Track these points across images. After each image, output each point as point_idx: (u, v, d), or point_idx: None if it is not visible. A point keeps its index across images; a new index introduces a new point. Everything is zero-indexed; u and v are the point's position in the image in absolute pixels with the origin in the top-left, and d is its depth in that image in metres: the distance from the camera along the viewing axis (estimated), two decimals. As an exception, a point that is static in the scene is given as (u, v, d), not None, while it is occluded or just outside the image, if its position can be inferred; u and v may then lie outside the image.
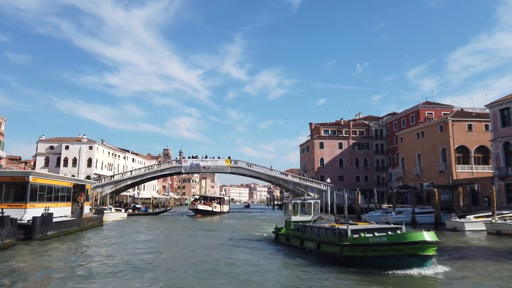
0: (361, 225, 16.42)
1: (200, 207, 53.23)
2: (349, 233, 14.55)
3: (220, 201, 62.46)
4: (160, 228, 34.18)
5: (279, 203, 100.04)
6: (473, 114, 51.13)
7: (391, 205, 46.73)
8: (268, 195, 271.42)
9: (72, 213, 30.42)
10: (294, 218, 21.47)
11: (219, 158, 57.26)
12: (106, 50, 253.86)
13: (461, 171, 47.20)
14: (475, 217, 23.01)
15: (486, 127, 48.17)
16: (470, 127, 48.16)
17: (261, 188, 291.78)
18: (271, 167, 57.58)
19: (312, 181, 56.91)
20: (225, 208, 63.30)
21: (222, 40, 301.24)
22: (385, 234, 14.20)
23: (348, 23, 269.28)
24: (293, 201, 22.34)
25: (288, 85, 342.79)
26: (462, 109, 55.97)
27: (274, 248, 19.81)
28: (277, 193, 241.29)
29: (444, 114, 60.50)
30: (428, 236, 12.59)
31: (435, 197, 29.96)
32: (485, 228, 20.68)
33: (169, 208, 68.98)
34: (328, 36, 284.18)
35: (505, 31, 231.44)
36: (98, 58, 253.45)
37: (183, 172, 58.52)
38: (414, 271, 12.60)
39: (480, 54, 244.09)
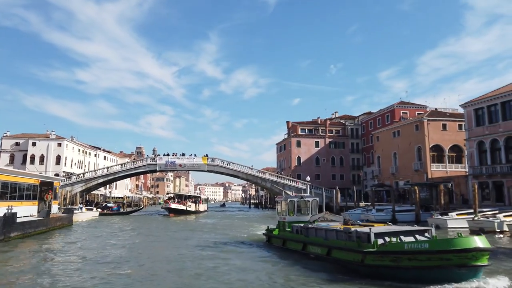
0: (381, 227, 14.30)
1: (173, 205, 50.91)
2: (373, 238, 12.22)
3: (196, 200, 59.94)
4: (132, 228, 32.41)
5: (255, 201, 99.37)
6: (447, 114, 52.16)
7: (368, 203, 46.94)
8: (243, 194, 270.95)
9: (38, 212, 28.53)
10: (290, 219, 19.05)
11: (195, 155, 55.89)
12: (76, 45, 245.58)
13: (435, 170, 47.98)
14: (457, 215, 23.05)
15: (460, 126, 49.22)
16: (444, 126, 49.03)
17: (236, 187, 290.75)
18: (251, 166, 56.81)
19: (290, 180, 56.54)
20: (202, 207, 60.84)
21: (197, 38, 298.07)
22: (426, 239, 12.27)
23: (322, 24, 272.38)
24: (288, 199, 19.65)
25: (264, 84, 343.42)
26: (436, 109, 57.02)
27: (269, 253, 17.65)
28: (252, 192, 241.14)
29: (418, 114, 61.61)
30: (481, 241, 10.52)
31: (416, 195, 30.00)
32: (467, 226, 20.72)
33: (141, 207, 66.44)
34: (303, 36, 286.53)
35: (471, 36, 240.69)
36: (68, 53, 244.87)
37: (158, 170, 56.74)
38: (464, 285, 10.30)
39: (448, 58, 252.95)
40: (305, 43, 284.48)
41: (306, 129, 74.73)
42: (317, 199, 20.19)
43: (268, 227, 21.66)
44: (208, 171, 56.14)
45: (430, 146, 48.22)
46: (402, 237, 12.70)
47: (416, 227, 14.18)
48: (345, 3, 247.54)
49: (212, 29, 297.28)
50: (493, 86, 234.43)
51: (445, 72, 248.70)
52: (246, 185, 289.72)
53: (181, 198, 57.89)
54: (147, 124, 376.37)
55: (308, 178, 45.97)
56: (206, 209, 65.54)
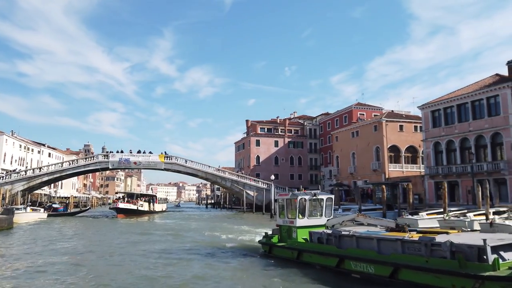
0: (471, 235, 11.11)
1: (122, 205, 46.13)
2: (490, 254, 8.66)
3: (151, 199, 55.79)
4: (75, 232, 28.98)
5: (212, 202, 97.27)
6: (403, 116, 53.72)
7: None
8: (197, 194, 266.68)
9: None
10: (301, 222, 14.95)
11: (151, 153, 53.05)
12: (18, 35, 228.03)
13: (392, 170, 49.18)
14: (427, 214, 23.19)
15: (415, 128, 50.88)
16: (401, 127, 50.42)
17: (190, 187, 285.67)
18: (219, 166, 55.12)
19: (251, 179, 55.53)
20: (158, 207, 57.01)
21: (151, 34, 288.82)
22: None
23: (278, 26, 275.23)
24: (299, 197, 15.09)
25: (219, 84, 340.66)
26: (392, 111, 58.65)
27: (280, 270, 13.12)
28: (206, 191, 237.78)
29: (374, 115, 63.14)
30: None
31: (383, 194, 30.12)
32: (438, 225, 20.81)
33: (88, 207, 61.59)
34: (258, 38, 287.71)
35: (416, 44, 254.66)
36: (8, 43, 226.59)
37: (110, 168, 53.09)
38: None
39: (395, 64, 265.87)
40: (260, 45, 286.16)
41: (266, 129, 74.25)
42: (332, 196, 16.32)
43: (266, 233, 17.12)
44: (165, 169, 53.55)
45: (387, 147, 49.35)
46: None
47: None
48: (300, 7, 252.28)
49: (167, 26, 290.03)
50: (435, 93, 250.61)
51: (391, 78, 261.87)
52: (201, 185, 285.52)
53: (132, 197, 53.37)
54: (96, 122, 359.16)
55: (272, 177, 45.09)
56: (164, 209, 61.47)
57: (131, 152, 52.42)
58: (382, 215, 30.20)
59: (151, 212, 51.49)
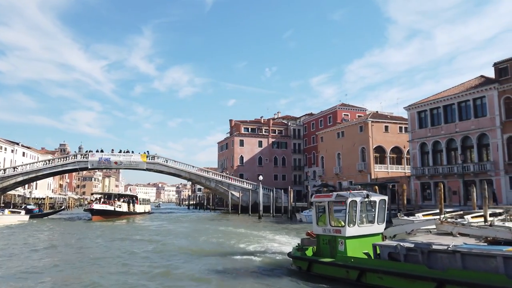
0: None
1: (97, 206, 41.91)
2: None
3: (131, 199, 51.42)
4: (44, 237, 25.93)
5: (193, 202, 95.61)
6: (388, 116, 53.91)
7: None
8: (176, 195, 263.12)
9: None
10: (351, 231, 11.67)
11: (133, 152, 51.29)
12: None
13: (378, 170, 49.23)
14: (423, 215, 22.80)
15: (400, 129, 51.14)
16: (386, 128, 50.56)
17: (170, 188, 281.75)
18: (209, 168, 53.73)
19: (237, 179, 54.55)
20: (140, 208, 52.73)
21: (129, 31, 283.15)
22: None
23: (259, 27, 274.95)
24: (350, 199, 11.65)
25: (199, 83, 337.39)
26: (377, 111, 58.88)
27: None
28: (186, 192, 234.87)
29: (358, 116, 63.36)
30: None
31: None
32: (435, 227, 20.39)
33: (62, 208, 58.28)
34: (239, 38, 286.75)
35: (394, 48, 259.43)
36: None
37: (89, 168, 50.96)
38: None
39: (373, 67, 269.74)
40: (241, 45, 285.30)
41: (249, 128, 73.43)
42: (386, 198, 12.99)
43: (298, 244, 13.84)
44: (147, 169, 51.87)
45: (373, 147, 49.38)
46: None
47: None
48: (281, 8, 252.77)
49: (146, 24, 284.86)
50: (412, 95, 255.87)
51: (370, 80, 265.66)
52: (180, 186, 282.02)
53: (110, 197, 48.91)
54: (72, 120, 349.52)
55: (261, 178, 44.28)
56: (147, 210, 56.91)
57: (112, 152, 50.41)
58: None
59: (131, 214, 48.04)
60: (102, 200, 46.37)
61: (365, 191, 12.68)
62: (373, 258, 11.22)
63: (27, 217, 39.32)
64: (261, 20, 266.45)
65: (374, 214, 12.33)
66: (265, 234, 25.33)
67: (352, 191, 12.62)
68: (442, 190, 23.69)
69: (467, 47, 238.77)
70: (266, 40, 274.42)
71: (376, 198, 12.48)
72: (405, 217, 22.98)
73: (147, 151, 51.81)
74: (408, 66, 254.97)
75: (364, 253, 11.68)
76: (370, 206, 12.39)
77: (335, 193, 12.77)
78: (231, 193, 50.77)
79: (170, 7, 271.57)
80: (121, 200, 48.18)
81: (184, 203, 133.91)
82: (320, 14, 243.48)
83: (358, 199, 11.85)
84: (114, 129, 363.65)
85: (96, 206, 41.88)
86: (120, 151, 50.84)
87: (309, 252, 12.99)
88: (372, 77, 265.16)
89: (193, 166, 53.35)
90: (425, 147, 41.08)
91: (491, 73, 37.47)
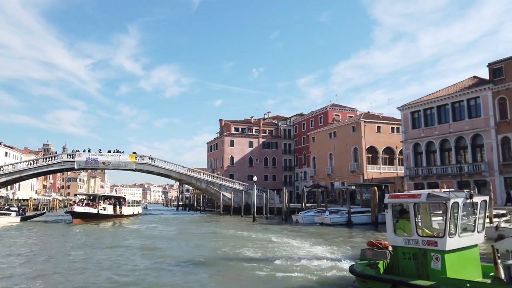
0: None
1: (78, 209, 38.79)
2: None
3: (117, 201, 46.66)
4: (21, 242, 22.94)
5: (182, 203, 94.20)
6: (380, 117, 53.79)
7: (312, 204, 46.11)
8: (163, 196, 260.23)
9: None
10: (452, 243, 8.41)
11: (119, 152, 49.82)
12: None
13: (370, 171, 49.01)
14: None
15: (392, 129, 51.08)
16: (379, 128, 50.41)
17: (156, 188, 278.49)
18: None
19: (228, 180, 53.65)
20: (128, 210, 47.93)
21: (115, 30, 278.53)
22: None
23: (246, 27, 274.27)
24: (452, 201, 8.26)
25: (186, 83, 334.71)
26: (368, 112, 58.76)
27: None
28: (173, 193, 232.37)
29: (349, 116, 63.21)
30: None
31: (375, 196, 29.33)
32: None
33: (43, 211, 54.24)
34: (226, 38, 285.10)
35: (380, 50, 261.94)
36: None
37: (76, 168, 49.25)
38: None
39: (359, 69, 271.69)
40: (228, 45, 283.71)
41: (240, 128, 72.62)
42: (487, 199, 9.60)
43: (369, 261, 10.08)
44: (136, 170, 50.51)
45: (366, 148, 49.14)
46: None
47: None
48: (268, 9, 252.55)
49: (132, 23, 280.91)
50: (396, 97, 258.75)
51: (356, 82, 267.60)
52: (167, 187, 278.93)
53: (94, 199, 44.91)
54: (55, 120, 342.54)
55: (255, 178, 43.37)
56: (136, 212, 51.89)
57: (100, 151, 48.85)
58: (375, 218, 29.46)
59: (117, 216, 44.38)
60: (85, 202, 43.36)
61: (466, 191, 9.48)
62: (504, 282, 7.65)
63: (18, 219, 37.70)
64: (248, 21, 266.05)
65: (475, 221, 9.26)
66: (278, 239, 22.32)
67: (451, 190, 9.32)
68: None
69: (451, 50, 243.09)
70: (253, 41, 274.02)
71: (478, 199, 9.37)
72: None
73: (134, 152, 50.31)
74: (394, 68, 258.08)
75: (492, 276, 8.20)
76: (472, 209, 9.35)
77: (425, 192, 9.38)
78: (222, 194, 49.83)
79: (156, 6, 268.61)
80: (107, 202, 44.53)
81: (172, 204, 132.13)
82: (307, 15, 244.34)
83: (460, 200, 8.72)
84: (99, 129, 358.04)
85: (77, 209, 39.00)
86: (110, 151, 49.26)
87: (380, 267, 9.79)
88: (358, 79, 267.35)
89: (183, 167, 52.25)
90: (418, 148, 40.99)
91: (480, 75, 37.69)
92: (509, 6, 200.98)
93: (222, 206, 51.11)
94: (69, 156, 48.65)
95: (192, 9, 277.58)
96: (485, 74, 36.49)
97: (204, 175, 53.47)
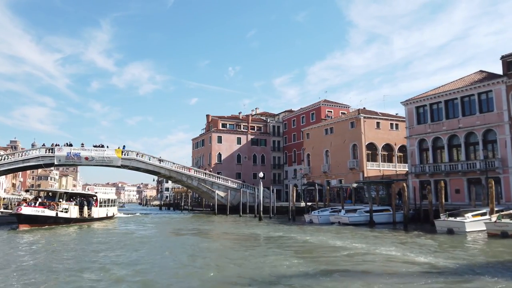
0: None
1: (27, 210, 28.73)
2: None
3: (85, 200, 36.19)
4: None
5: (163, 202, 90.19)
6: (379, 113, 52.39)
7: (315, 203, 43.99)
8: (138, 195, 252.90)
9: None
10: None
11: (107, 147, 45.96)
12: None
13: (370, 168, 47.47)
14: (473, 216, 20.46)
15: (391, 125, 49.78)
16: (378, 124, 48.98)
17: (130, 188, 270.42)
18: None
19: (221, 178, 50.77)
20: (101, 212, 38.36)
21: (86, 24, 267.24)
22: None
23: (222, 25, 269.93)
24: None
25: (160, 81, 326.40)
26: (364, 107, 57.35)
27: None
28: (148, 192, 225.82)
29: (342, 113, 61.82)
30: None
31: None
32: (485, 229, 18.15)
33: None
34: (202, 35, 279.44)
35: (354, 51, 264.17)
36: None
37: (56, 163, 44.71)
38: None
39: (334, 70, 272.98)
40: (204, 43, 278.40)
41: (228, 124, 69.84)
42: None
43: None
44: (122, 166, 46.70)
45: (365, 144, 47.57)
46: None
47: None
48: (245, 7, 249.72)
49: (104, 17, 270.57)
50: (370, 98, 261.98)
51: (331, 82, 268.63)
52: (141, 186, 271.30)
53: (53, 197, 34.11)
54: (22, 117, 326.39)
55: (261, 174, 40.87)
56: (110, 214, 41.58)
57: (82, 146, 44.61)
58: (391, 217, 27.56)
59: (84, 220, 34.54)
60: (39, 200, 32.72)
61: None
62: None
63: None
64: (225, 19, 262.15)
65: None
66: (339, 243, 18.30)
67: None
68: (493, 188, 21.53)
69: (422, 53, 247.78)
70: (229, 39, 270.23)
71: None
72: (453, 219, 20.49)
73: (123, 146, 46.63)
74: (367, 69, 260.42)
75: None
76: None
77: None
78: (216, 192, 46.94)
79: (129, 1, 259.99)
80: (73, 202, 34.20)
81: (151, 203, 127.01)
82: (283, 15, 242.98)
83: None
84: (68, 126, 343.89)
85: (25, 210, 28.76)
86: (96, 146, 45.06)
87: None
88: (333, 80, 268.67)
89: (174, 163, 48.95)
90: (424, 144, 39.58)
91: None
92: (478, 11, 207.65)
93: (216, 205, 48.19)
94: (48, 151, 44.15)
95: (167, 5, 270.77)
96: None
97: (196, 172, 50.33)
